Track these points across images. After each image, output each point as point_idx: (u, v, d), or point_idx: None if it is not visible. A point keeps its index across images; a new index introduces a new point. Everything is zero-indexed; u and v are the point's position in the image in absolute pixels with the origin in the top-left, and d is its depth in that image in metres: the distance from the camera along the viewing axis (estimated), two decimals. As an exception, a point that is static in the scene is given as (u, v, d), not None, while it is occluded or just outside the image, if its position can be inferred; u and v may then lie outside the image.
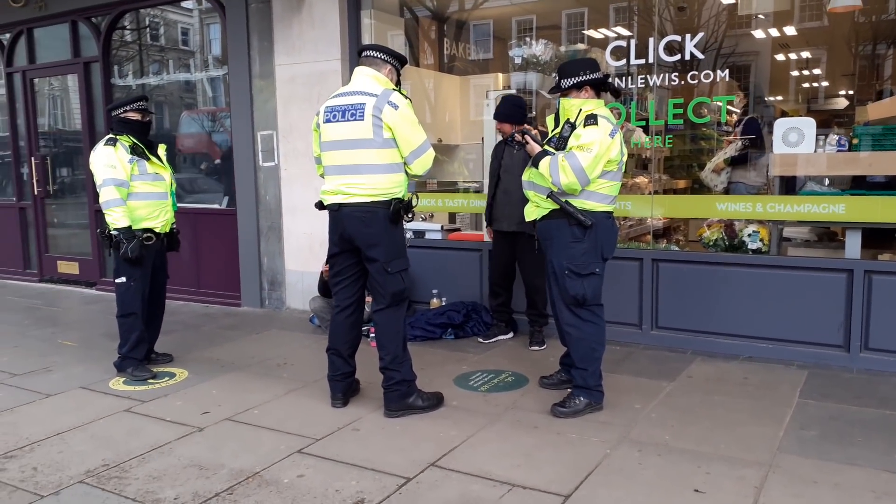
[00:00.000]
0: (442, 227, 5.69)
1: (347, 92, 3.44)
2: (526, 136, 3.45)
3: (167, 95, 7.28)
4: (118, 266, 4.24)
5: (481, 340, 4.92)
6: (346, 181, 3.40)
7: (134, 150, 4.21)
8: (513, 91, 6.17)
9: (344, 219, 3.43)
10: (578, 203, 3.34)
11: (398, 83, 3.56)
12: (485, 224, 5.10)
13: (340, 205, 3.42)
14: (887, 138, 4.22)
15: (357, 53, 3.68)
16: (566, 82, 3.42)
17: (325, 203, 3.51)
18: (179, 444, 3.30)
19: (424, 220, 5.95)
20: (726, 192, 5.38)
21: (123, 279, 4.23)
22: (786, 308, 4.31)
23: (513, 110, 4.59)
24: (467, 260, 5.42)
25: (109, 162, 4.11)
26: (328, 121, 3.44)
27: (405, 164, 3.40)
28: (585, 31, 7.62)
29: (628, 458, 3.01)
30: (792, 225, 4.65)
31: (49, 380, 4.32)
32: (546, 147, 3.41)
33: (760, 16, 7.38)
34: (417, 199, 3.58)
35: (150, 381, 4.22)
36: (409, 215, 3.50)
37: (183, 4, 6.94)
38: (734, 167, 5.52)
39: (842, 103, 8.86)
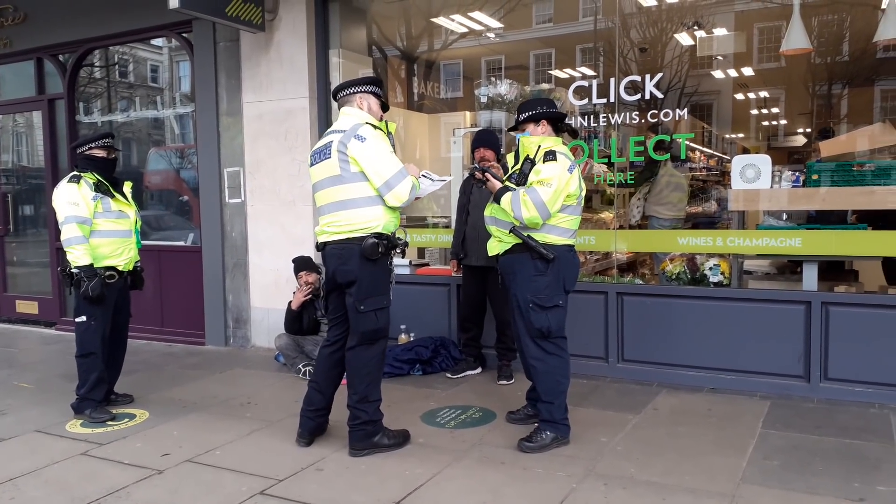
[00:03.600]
0: (410, 262, 5.69)
1: (326, 133, 3.53)
2: (486, 174, 3.51)
3: (135, 132, 7.24)
4: (78, 305, 4.16)
5: (450, 376, 4.89)
6: (327, 220, 3.44)
7: (98, 188, 4.17)
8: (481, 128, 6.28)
9: (327, 258, 3.48)
10: (540, 237, 3.40)
11: (384, 105, 3.58)
12: (450, 258, 5.12)
13: (325, 243, 3.47)
14: (839, 174, 4.38)
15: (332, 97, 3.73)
16: (522, 116, 3.55)
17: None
18: (137, 487, 3.20)
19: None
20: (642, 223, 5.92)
21: (84, 318, 4.14)
22: (748, 340, 4.39)
23: (492, 137, 4.77)
24: (436, 295, 5.42)
25: (72, 199, 4.07)
26: (311, 164, 3.52)
27: (381, 196, 3.36)
28: (552, 71, 7.83)
29: (594, 492, 3.00)
30: (752, 258, 4.76)
31: (2, 423, 4.17)
32: (507, 183, 3.48)
33: (720, 57, 7.67)
34: (406, 233, 3.56)
35: (109, 422, 4.11)
36: (397, 251, 3.47)
37: (153, 42, 6.96)
38: (647, 202, 5.90)
39: (800, 140, 9.19)
